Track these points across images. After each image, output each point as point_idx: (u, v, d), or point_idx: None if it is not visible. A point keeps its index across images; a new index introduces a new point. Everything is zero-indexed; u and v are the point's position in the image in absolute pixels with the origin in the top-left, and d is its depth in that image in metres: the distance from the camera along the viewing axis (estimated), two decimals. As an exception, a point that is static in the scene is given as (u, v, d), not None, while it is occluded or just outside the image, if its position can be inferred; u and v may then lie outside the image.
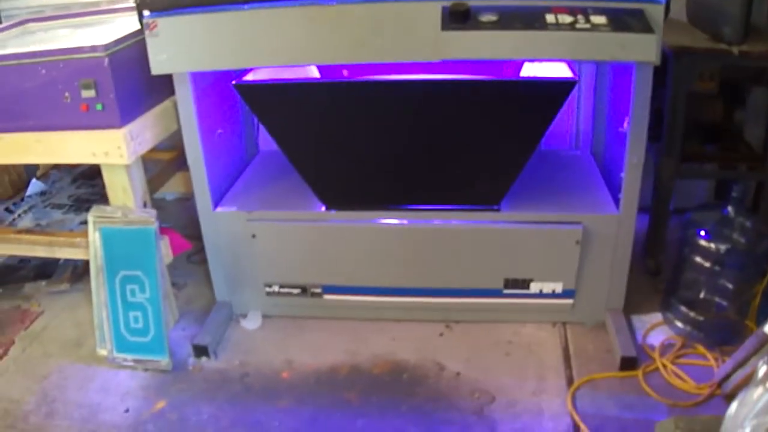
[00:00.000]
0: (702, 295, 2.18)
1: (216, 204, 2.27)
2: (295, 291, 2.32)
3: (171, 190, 2.63)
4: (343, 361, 2.22)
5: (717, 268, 2.12)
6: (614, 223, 2.14)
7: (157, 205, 2.56)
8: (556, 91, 1.97)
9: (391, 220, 2.20)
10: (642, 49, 1.75)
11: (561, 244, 2.16)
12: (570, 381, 2.10)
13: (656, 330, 2.28)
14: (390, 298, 2.31)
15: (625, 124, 2.08)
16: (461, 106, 2.02)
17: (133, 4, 2.00)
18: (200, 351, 2.24)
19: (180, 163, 2.43)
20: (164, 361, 2.20)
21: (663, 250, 2.49)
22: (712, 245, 2.10)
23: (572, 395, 2.04)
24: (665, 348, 2.20)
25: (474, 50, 1.81)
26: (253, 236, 2.23)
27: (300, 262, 2.29)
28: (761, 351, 1.88)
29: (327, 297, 2.32)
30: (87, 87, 2.04)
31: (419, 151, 2.10)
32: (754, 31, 2.22)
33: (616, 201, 2.18)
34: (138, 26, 2.04)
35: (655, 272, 2.49)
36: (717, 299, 2.15)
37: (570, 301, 2.26)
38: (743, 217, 2.10)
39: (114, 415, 2.06)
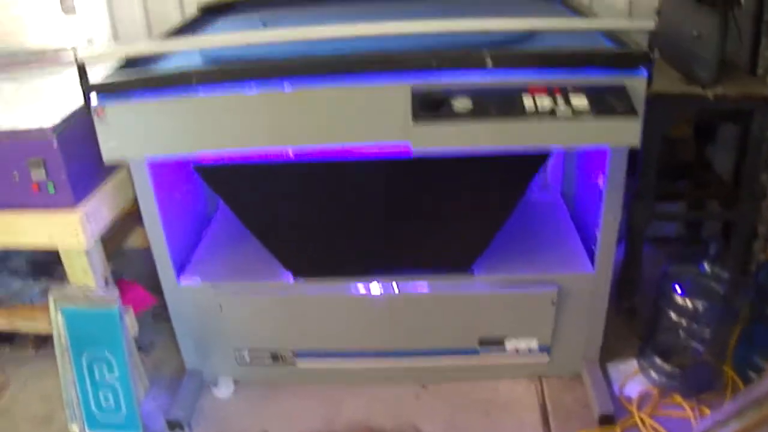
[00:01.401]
0: (677, 346, 2.09)
1: (179, 272, 2.11)
2: (267, 358, 2.18)
3: (132, 245, 2.47)
4: (320, 429, 2.10)
5: (694, 325, 2.03)
6: (590, 282, 2.04)
7: (118, 255, 2.42)
8: (527, 165, 1.85)
9: (361, 287, 2.06)
10: (624, 134, 1.64)
11: (536, 305, 2.06)
12: (549, 440, 2.08)
13: (633, 379, 2.19)
14: (364, 361, 2.19)
15: (600, 181, 1.98)
16: (430, 182, 1.89)
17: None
18: (174, 426, 2.11)
19: (139, 217, 2.19)
20: None
21: (636, 291, 2.38)
22: (688, 302, 2.01)
23: (551, 458, 2.01)
24: (643, 399, 2.12)
25: (448, 141, 1.67)
26: (221, 307, 2.08)
27: (270, 330, 2.15)
28: (742, 414, 1.84)
29: (300, 363, 2.19)
30: (36, 167, 1.86)
31: (388, 223, 1.95)
32: (729, 67, 2.12)
33: (590, 255, 2.07)
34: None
35: (630, 313, 2.39)
36: (693, 345, 2.06)
37: (545, 356, 2.16)
38: (719, 271, 2.02)
39: None
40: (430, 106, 1.66)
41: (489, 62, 1.66)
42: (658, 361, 2.15)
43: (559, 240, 2.20)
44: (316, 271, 2.07)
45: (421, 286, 2.06)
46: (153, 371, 2.33)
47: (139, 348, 2.27)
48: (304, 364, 2.20)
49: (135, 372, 2.12)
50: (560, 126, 1.63)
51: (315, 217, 1.97)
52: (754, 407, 1.73)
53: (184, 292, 2.10)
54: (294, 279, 2.08)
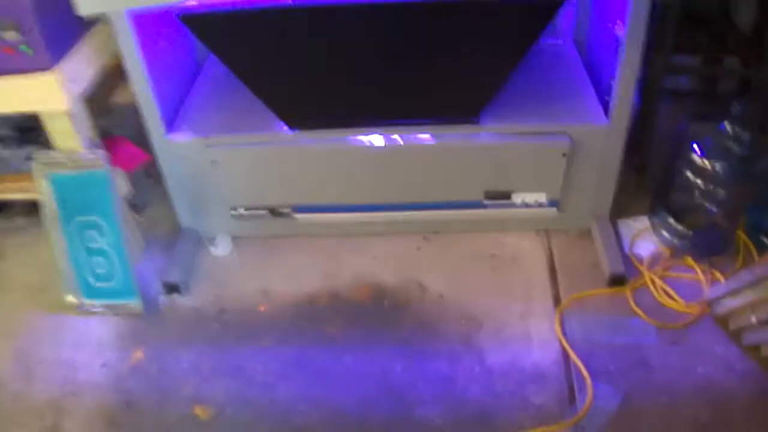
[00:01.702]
0: (691, 206, 1.97)
1: (169, 127, 1.96)
2: (264, 213, 2.08)
3: (120, 101, 2.32)
4: (322, 287, 2.03)
5: (710, 186, 1.90)
6: (603, 134, 1.91)
7: (106, 112, 2.28)
8: (542, 10, 1.65)
9: (361, 138, 1.93)
10: None
11: (546, 157, 1.93)
12: (557, 300, 1.95)
13: (643, 237, 2.10)
14: (364, 215, 2.09)
15: (617, 28, 1.80)
16: (434, 27, 1.71)
17: None
18: (171, 288, 2.03)
19: (124, 71, 2.01)
20: (136, 304, 1.99)
21: (650, 147, 2.25)
22: (706, 162, 1.87)
23: (560, 318, 1.89)
24: (653, 259, 2.04)
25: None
26: (214, 163, 1.96)
27: (266, 185, 2.04)
28: (758, 285, 1.76)
29: (298, 217, 2.10)
30: (7, 29, 1.68)
31: (389, 70, 1.78)
32: None
33: (605, 106, 1.92)
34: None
35: (641, 169, 2.27)
36: (707, 206, 1.94)
37: (554, 211, 2.05)
38: (740, 131, 1.85)
39: (92, 373, 1.86)
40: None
41: None
42: (670, 220, 2.04)
43: (571, 89, 2.04)
44: (313, 123, 1.93)
45: (424, 136, 1.93)
46: (148, 232, 2.23)
47: (133, 208, 2.18)
48: (303, 218, 2.10)
49: (129, 235, 2.02)
50: None
51: (312, 65, 1.79)
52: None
53: (175, 148, 1.97)
54: (291, 131, 1.94)
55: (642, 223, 2.13)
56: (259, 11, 1.67)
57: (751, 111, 1.85)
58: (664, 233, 2.06)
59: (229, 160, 1.97)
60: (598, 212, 2.10)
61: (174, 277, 2.04)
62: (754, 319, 1.79)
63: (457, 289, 2.00)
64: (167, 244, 2.18)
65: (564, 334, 1.85)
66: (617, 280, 1.95)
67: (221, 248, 2.15)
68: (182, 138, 1.96)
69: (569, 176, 1.98)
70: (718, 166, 1.86)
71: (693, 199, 1.96)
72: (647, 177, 2.28)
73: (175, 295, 2.03)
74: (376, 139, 1.93)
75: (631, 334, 1.87)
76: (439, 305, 1.96)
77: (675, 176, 1.98)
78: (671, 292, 1.94)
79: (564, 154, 1.91)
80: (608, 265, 1.96)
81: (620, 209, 2.15)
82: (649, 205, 2.18)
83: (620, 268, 1.96)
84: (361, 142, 1.94)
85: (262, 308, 1.98)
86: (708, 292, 1.92)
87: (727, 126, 1.86)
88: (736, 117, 1.85)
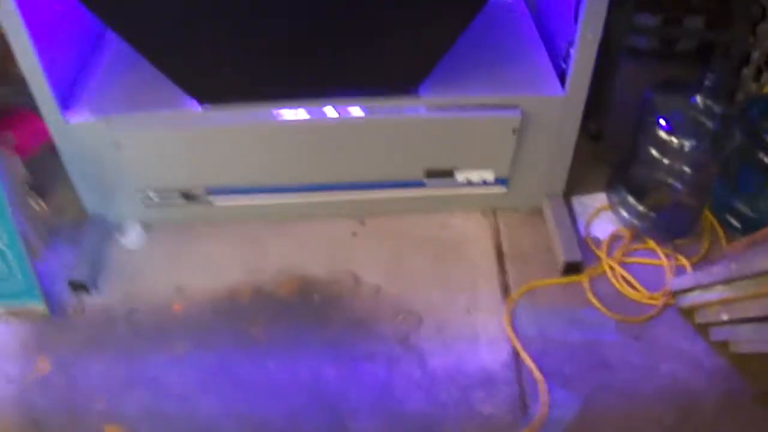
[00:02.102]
0: (653, 183, 1.76)
1: (66, 106, 1.65)
2: (178, 198, 1.80)
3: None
4: (244, 281, 1.77)
5: (676, 163, 1.68)
6: (559, 106, 1.66)
7: (5, 82, 1.94)
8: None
9: (282, 112, 1.65)
10: None
11: (494, 133, 1.69)
12: (506, 290, 1.73)
13: (601, 217, 1.88)
14: (290, 197, 1.83)
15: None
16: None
17: None
18: (78, 287, 1.75)
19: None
20: (40, 307, 1.71)
21: (608, 112, 1.99)
22: (674, 139, 1.64)
23: (510, 312, 1.67)
24: (612, 242, 1.82)
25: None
26: (116, 145, 1.67)
27: (178, 167, 1.76)
28: (734, 284, 1.56)
29: (215, 200, 1.82)
30: None
31: (310, 33, 1.50)
32: None
33: (560, 74, 1.67)
34: None
35: (597, 136, 2.02)
36: (672, 183, 1.72)
37: (503, 189, 1.82)
38: (712, 104, 1.62)
39: (-5, 386, 1.64)
40: None
41: None
42: (630, 198, 1.83)
43: (522, 55, 1.78)
44: (225, 96, 1.64)
45: (355, 109, 1.66)
46: (53, 220, 1.92)
47: (35, 193, 1.89)
48: (221, 202, 1.83)
49: (27, 228, 1.73)
50: None
51: (220, 33, 1.50)
52: (752, 281, 1.47)
53: (74, 130, 1.67)
54: (201, 107, 1.65)
55: (599, 200, 1.90)
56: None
57: (724, 81, 1.64)
58: (624, 213, 1.84)
59: (134, 141, 1.68)
60: (550, 190, 1.87)
61: (80, 274, 1.76)
62: (725, 316, 1.60)
63: (395, 280, 1.76)
64: (74, 233, 1.88)
65: (514, 330, 1.64)
66: (572, 268, 1.74)
67: (131, 238, 1.86)
68: (80, 118, 1.66)
69: (519, 152, 1.74)
70: (686, 144, 1.63)
71: (656, 176, 1.74)
72: (604, 146, 2.04)
73: (82, 294, 1.76)
74: (298, 112, 1.66)
75: (589, 330, 1.66)
76: (375, 299, 1.72)
77: (636, 151, 1.76)
78: (632, 280, 1.73)
79: (514, 130, 1.67)
80: (562, 252, 1.75)
81: (575, 183, 1.91)
82: (606, 179, 1.95)
83: (576, 255, 1.74)
84: (282, 116, 1.66)
85: (177, 307, 1.72)
86: (673, 281, 1.71)
87: (699, 99, 1.62)
88: (708, 88, 1.62)
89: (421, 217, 1.89)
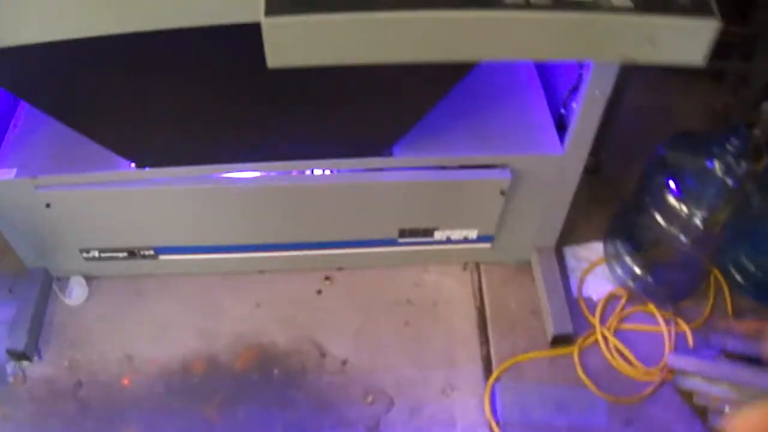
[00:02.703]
0: (657, 239, 1.50)
1: None
2: (121, 255, 1.57)
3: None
4: (197, 349, 1.54)
5: (682, 236, 1.43)
6: (555, 165, 1.41)
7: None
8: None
9: (231, 175, 1.39)
10: (688, 46, 0.84)
11: (479, 194, 1.44)
12: (488, 364, 1.51)
13: (596, 273, 1.64)
14: (247, 255, 1.59)
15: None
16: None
17: None
18: (19, 356, 1.54)
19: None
20: None
21: (608, 145, 1.71)
22: (684, 207, 1.39)
23: (490, 392, 1.46)
24: (607, 305, 1.59)
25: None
26: (48, 206, 1.41)
27: (118, 227, 1.51)
28: (743, 389, 1.37)
29: (163, 257, 1.58)
30: None
31: (263, 102, 1.21)
32: None
33: (558, 122, 1.41)
34: None
35: (594, 170, 1.74)
36: (676, 240, 1.45)
37: (487, 245, 1.58)
38: (734, 163, 1.34)
39: None
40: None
41: None
42: (628, 254, 1.59)
43: (515, 101, 1.47)
44: (165, 160, 1.37)
45: (317, 172, 1.40)
46: None
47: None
48: (168, 257, 1.59)
49: None
50: (572, 23, 0.80)
51: (153, 101, 1.21)
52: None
53: (-2, 186, 1.46)
54: (138, 168, 1.40)
55: (595, 252, 1.66)
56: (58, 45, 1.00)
57: (752, 138, 1.38)
58: (620, 270, 1.61)
59: (66, 202, 1.42)
60: (541, 243, 1.63)
61: (18, 343, 1.52)
62: (727, 408, 1.44)
63: (364, 351, 1.54)
64: (15, 284, 1.65)
65: (495, 415, 1.44)
66: (562, 340, 1.53)
67: (75, 295, 1.62)
68: (4, 176, 1.38)
69: (508, 210, 1.49)
70: (698, 214, 1.38)
71: (660, 233, 1.50)
72: (602, 182, 1.77)
73: (24, 363, 1.54)
74: (251, 175, 1.40)
75: (577, 413, 1.46)
76: (343, 375, 1.51)
77: (641, 212, 1.50)
78: (627, 353, 1.52)
79: (502, 191, 1.42)
80: (551, 322, 1.52)
81: (569, 228, 1.64)
82: (603, 224, 1.70)
83: (566, 327, 1.52)
84: (232, 179, 1.39)
85: (125, 381, 1.51)
86: (671, 357, 1.50)
87: (717, 165, 1.35)
88: (730, 152, 1.34)
89: (394, 271, 1.65)
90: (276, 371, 1.51)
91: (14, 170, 1.39)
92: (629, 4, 0.78)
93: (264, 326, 1.58)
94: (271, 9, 0.70)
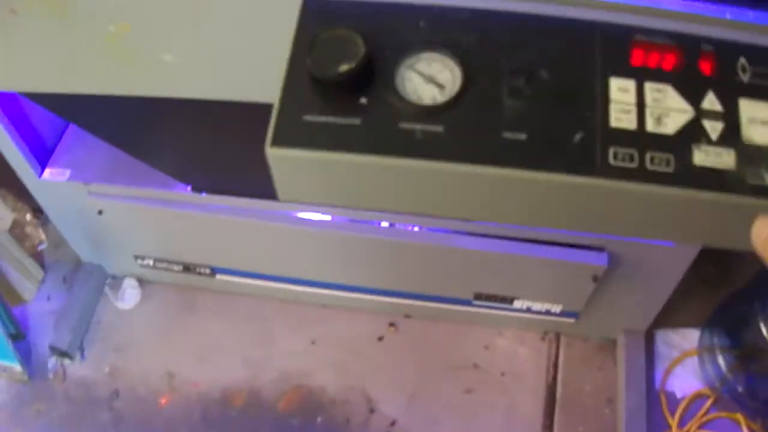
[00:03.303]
0: (759, 348, 1.26)
1: (43, 160, 1.27)
2: (176, 267, 1.45)
3: None
4: (240, 381, 1.42)
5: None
6: (662, 256, 1.19)
7: None
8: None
9: (299, 214, 1.24)
10: None
11: (568, 276, 1.24)
12: (546, 453, 1.38)
13: (686, 365, 1.41)
14: (309, 289, 1.44)
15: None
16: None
17: None
18: (61, 354, 1.46)
19: None
20: (18, 369, 1.43)
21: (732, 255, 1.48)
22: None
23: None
24: (690, 405, 1.37)
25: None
26: (100, 212, 1.30)
27: (172, 243, 1.39)
28: None
29: (220, 277, 1.46)
30: None
31: None
32: None
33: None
34: None
35: (713, 281, 1.48)
36: None
37: (571, 320, 1.39)
38: None
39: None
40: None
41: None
42: (722, 357, 1.34)
43: None
44: (227, 189, 1.23)
45: (385, 224, 1.23)
46: (51, 253, 1.59)
47: (37, 217, 1.58)
48: (226, 278, 1.47)
49: (10, 277, 1.48)
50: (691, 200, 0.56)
51: (214, 140, 1.07)
52: None
53: (50, 188, 1.30)
54: (193, 191, 1.26)
55: (689, 341, 1.43)
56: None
57: None
58: (710, 368, 1.37)
59: (119, 212, 1.30)
60: (630, 326, 1.41)
61: (63, 340, 1.45)
62: None
63: (417, 414, 1.39)
64: (71, 273, 1.56)
65: None
66: (634, 442, 1.38)
67: (124, 297, 1.52)
68: (57, 178, 1.28)
69: (599, 293, 1.28)
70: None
71: (763, 343, 1.30)
72: (715, 259, 1.51)
73: (66, 361, 1.47)
74: (320, 217, 1.24)
75: None
76: (387, 437, 1.42)
77: (748, 327, 1.25)
78: (702, 468, 1.35)
79: (595, 278, 1.21)
80: (623, 421, 1.31)
81: (665, 308, 1.38)
82: (706, 310, 1.43)
83: (640, 428, 1.33)
84: (299, 219, 1.24)
85: (163, 401, 1.41)
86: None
87: None
88: None
89: (465, 328, 1.47)
90: (319, 419, 1.38)
91: (68, 172, 1.29)
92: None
93: (315, 367, 1.44)
94: (277, 140, 0.54)
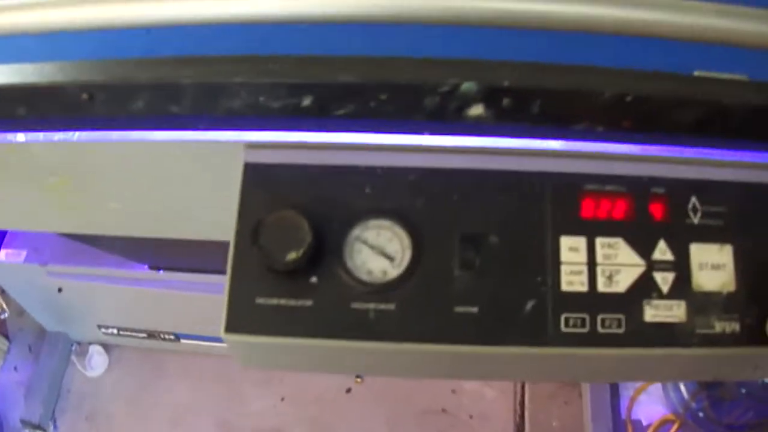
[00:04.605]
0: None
1: None
2: (141, 335, 1.42)
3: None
4: None
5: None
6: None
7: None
8: None
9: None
10: None
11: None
12: (518, 491, 1.38)
13: (650, 392, 1.42)
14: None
15: None
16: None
17: None
18: (34, 427, 1.42)
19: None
20: None
21: None
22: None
23: None
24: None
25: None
26: (60, 290, 1.27)
27: (134, 316, 1.37)
28: None
29: (185, 342, 1.43)
30: None
31: None
32: None
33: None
34: None
35: None
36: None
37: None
38: None
39: None
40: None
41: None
42: (683, 387, 1.34)
43: None
44: (183, 267, 1.21)
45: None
46: (14, 321, 1.54)
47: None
48: (190, 342, 1.43)
49: None
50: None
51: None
52: None
53: (7, 268, 1.26)
54: (151, 270, 1.23)
55: (651, 369, 1.50)
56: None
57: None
58: (673, 395, 1.38)
59: (79, 290, 1.27)
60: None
61: (34, 413, 1.42)
62: None
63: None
64: (36, 342, 1.52)
65: None
66: (602, 477, 1.40)
67: (94, 365, 1.49)
68: (13, 260, 1.24)
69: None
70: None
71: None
72: None
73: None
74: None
75: None
76: (363, 490, 1.39)
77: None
78: (671, 495, 1.37)
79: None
80: None
81: None
82: None
83: (608, 464, 1.39)
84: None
85: (139, 475, 1.43)
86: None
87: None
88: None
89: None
90: (293, 480, 1.40)
91: (24, 253, 1.25)
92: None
93: (286, 424, 1.43)
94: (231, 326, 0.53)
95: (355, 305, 0.52)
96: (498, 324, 0.51)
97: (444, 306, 0.51)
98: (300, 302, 0.52)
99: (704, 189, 0.57)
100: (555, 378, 0.57)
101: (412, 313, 0.51)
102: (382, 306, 0.52)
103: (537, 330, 0.51)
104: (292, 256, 0.50)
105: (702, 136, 0.59)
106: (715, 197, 0.57)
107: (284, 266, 0.50)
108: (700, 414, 1.35)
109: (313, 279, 0.52)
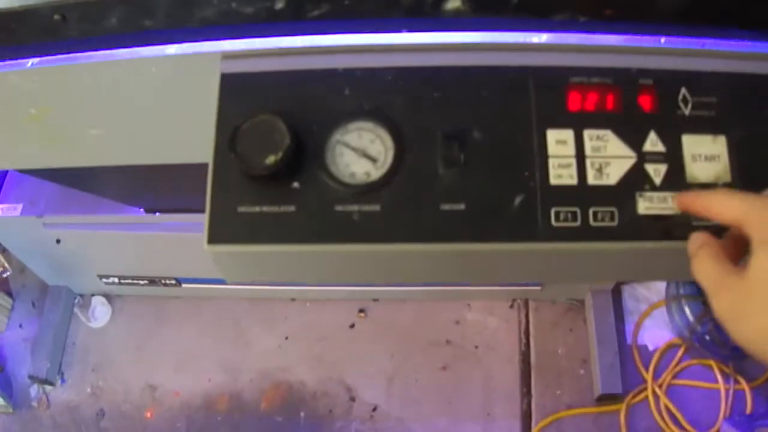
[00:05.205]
0: None
1: None
2: (142, 282, 1.42)
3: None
4: (221, 383, 1.41)
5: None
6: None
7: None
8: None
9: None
10: None
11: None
12: (527, 419, 1.34)
13: (654, 317, 1.42)
14: (277, 287, 1.43)
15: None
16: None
17: None
18: (42, 381, 1.43)
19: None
20: (1, 402, 1.40)
21: None
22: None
23: (528, 452, 1.35)
24: (662, 357, 1.39)
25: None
26: (58, 241, 1.26)
27: (133, 261, 1.36)
28: None
29: (186, 286, 1.43)
30: None
31: None
32: None
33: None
34: None
35: None
36: None
37: (537, 288, 1.40)
38: None
39: None
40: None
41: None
42: (688, 305, 1.35)
43: None
44: (178, 208, 1.20)
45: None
46: (16, 280, 1.55)
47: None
48: (192, 286, 1.43)
49: None
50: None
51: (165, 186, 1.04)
52: None
53: (4, 223, 1.25)
54: (147, 213, 1.22)
55: (656, 293, 1.44)
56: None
57: None
58: (678, 318, 1.38)
59: (76, 240, 1.26)
60: (596, 286, 1.40)
61: (41, 368, 1.42)
62: None
63: (396, 397, 1.39)
64: (40, 299, 1.52)
65: (531, 482, 1.33)
66: (609, 398, 1.35)
67: (97, 317, 1.49)
68: (9, 214, 1.22)
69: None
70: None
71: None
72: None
73: (48, 387, 1.44)
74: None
75: (619, 481, 1.35)
76: (372, 423, 1.36)
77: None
78: (679, 415, 1.33)
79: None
80: (599, 378, 1.33)
81: None
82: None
83: (614, 387, 1.33)
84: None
85: (148, 414, 1.40)
86: (725, 426, 1.35)
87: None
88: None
89: (433, 306, 1.46)
90: (302, 414, 1.38)
91: (20, 206, 1.24)
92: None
93: (292, 363, 1.43)
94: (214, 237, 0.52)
95: (339, 208, 0.51)
96: (486, 220, 0.50)
97: (430, 204, 0.50)
98: (283, 208, 0.51)
99: (694, 80, 0.55)
100: (546, 276, 0.56)
101: (398, 213, 0.50)
102: (367, 207, 0.51)
103: (527, 225, 0.50)
104: (271, 159, 0.49)
105: (690, 25, 0.58)
106: (706, 88, 0.56)
107: (264, 170, 0.49)
108: (706, 337, 1.36)
109: (295, 184, 0.51)
